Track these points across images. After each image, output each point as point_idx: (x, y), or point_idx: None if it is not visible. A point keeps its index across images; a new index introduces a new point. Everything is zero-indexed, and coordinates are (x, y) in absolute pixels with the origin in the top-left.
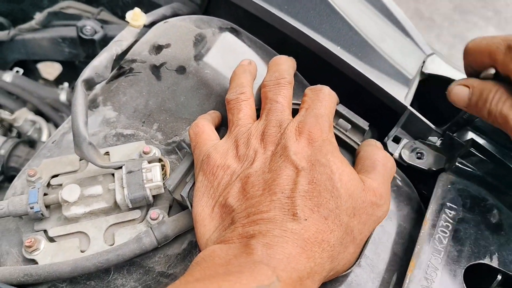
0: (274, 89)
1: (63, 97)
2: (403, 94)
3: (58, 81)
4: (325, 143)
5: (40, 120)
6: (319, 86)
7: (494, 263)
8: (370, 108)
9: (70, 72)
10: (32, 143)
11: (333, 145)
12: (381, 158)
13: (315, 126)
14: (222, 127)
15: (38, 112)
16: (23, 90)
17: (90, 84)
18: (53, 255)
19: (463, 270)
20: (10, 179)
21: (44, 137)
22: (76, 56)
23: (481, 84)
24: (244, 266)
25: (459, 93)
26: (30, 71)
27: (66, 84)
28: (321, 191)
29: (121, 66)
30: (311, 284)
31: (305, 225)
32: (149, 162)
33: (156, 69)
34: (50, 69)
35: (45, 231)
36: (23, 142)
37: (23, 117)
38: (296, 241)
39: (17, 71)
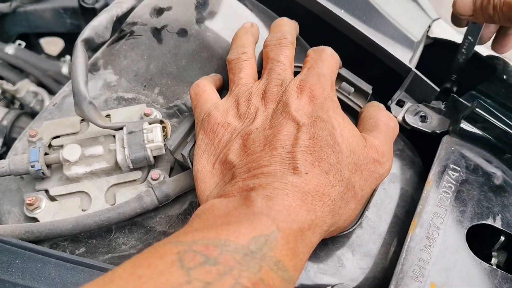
0: (276, 49)
1: (65, 69)
2: (408, 57)
3: (60, 56)
4: (327, 100)
5: (42, 92)
6: (322, 46)
7: (497, 224)
8: (373, 72)
9: (72, 47)
10: (34, 115)
11: (335, 103)
12: (384, 118)
13: (317, 84)
14: (223, 90)
15: (40, 85)
16: (25, 63)
17: (90, 44)
18: (54, 213)
19: (466, 231)
20: None
21: None
22: (78, 27)
23: None
24: (243, 217)
25: (464, 1)
26: (33, 46)
27: (68, 57)
28: (322, 146)
29: (121, 29)
30: (312, 236)
31: (306, 178)
32: (150, 124)
33: (157, 32)
34: (52, 47)
35: (46, 190)
36: (25, 113)
37: (25, 89)
38: (297, 194)
39: (20, 44)
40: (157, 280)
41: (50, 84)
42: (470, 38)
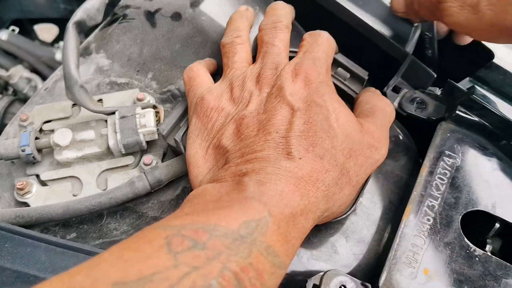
0: (270, 33)
1: (59, 56)
2: (405, 43)
3: (54, 43)
4: (322, 84)
5: (35, 78)
6: (318, 31)
7: (492, 211)
8: (370, 58)
9: None
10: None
11: (330, 87)
12: (380, 103)
13: (312, 68)
14: (217, 75)
15: (34, 71)
16: (18, 49)
17: (81, 27)
18: (45, 198)
19: (460, 217)
20: None
21: None
22: (72, 12)
23: None
24: (235, 201)
25: (398, 0)
26: (27, 33)
27: (62, 43)
28: (316, 131)
29: (114, 13)
30: (304, 222)
31: (299, 163)
32: (143, 109)
33: (150, 16)
34: (46, 34)
35: (37, 175)
36: (18, 99)
37: (19, 74)
38: (290, 179)
39: (13, 30)
40: (143, 263)
41: (44, 70)
42: (428, 34)
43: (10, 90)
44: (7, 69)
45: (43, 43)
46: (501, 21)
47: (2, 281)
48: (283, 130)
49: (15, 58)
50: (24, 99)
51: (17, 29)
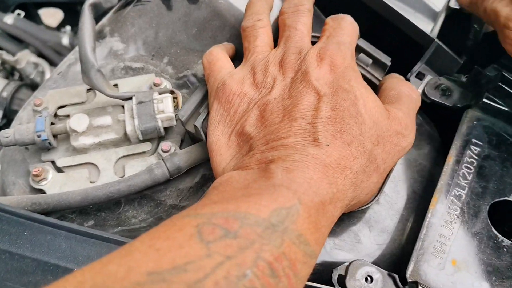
0: (293, 16)
1: (65, 40)
2: (429, 28)
3: (59, 28)
4: (348, 69)
5: (42, 63)
6: (341, 14)
7: None
8: (392, 43)
9: (72, 18)
10: (34, 87)
11: (356, 72)
12: (406, 89)
13: (337, 53)
14: (235, 60)
15: (40, 55)
16: (25, 33)
17: (97, 9)
18: (61, 185)
19: (488, 207)
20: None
21: None
22: None
23: None
24: (263, 189)
25: None
26: (32, 17)
27: (68, 28)
28: (344, 117)
29: None
30: (333, 210)
31: (327, 150)
32: (160, 94)
33: None
34: (51, 19)
35: (52, 162)
36: (25, 85)
37: (26, 59)
38: (318, 166)
39: (19, 14)
40: (176, 253)
41: (51, 55)
42: (475, 26)
43: (17, 76)
44: (13, 54)
45: (48, 27)
46: None
47: (22, 270)
48: (309, 116)
49: (20, 43)
50: (31, 85)
51: (22, 13)
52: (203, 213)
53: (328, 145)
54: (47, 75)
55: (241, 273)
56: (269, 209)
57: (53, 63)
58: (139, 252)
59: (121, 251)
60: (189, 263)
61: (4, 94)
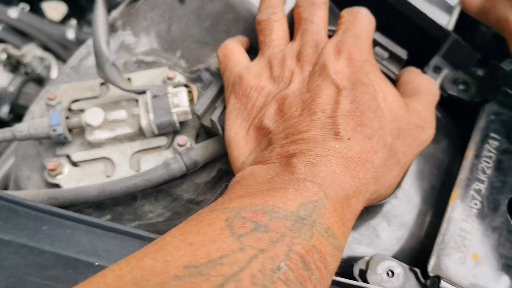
0: (309, 9)
1: (71, 34)
2: (445, 21)
3: (63, 22)
4: (366, 63)
5: (49, 57)
6: (356, 7)
7: None
8: (408, 37)
9: (76, 12)
10: (41, 81)
11: (374, 66)
12: (425, 82)
13: (354, 47)
14: (250, 54)
15: (46, 49)
16: (30, 27)
17: (111, 2)
18: (77, 179)
19: (507, 201)
20: (19, 117)
21: (53, 74)
22: None
23: None
24: (288, 183)
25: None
26: (35, 11)
27: (74, 21)
28: (364, 111)
29: None
30: (356, 204)
31: (348, 144)
32: (174, 88)
33: None
34: (54, 12)
35: (68, 156)
36: (32, 79)
37: (32, 53)
38: (340, 160)
39: (23, 8)
40: (209, 247)
41: (57, 49)
42: (483, 28)
43: (22, 70)
44: (18, 48)
45: (53, 21)
46: None
47: (42, 264)
48: (329, 110)
49: (25, 37)
50: (37, 79)
51: (27, 7)
52: (231, 207)
53: (349, 138)
54: (54, 69)
55: (275, 266)
56: (296, 202)
57: (59, 57)
58: (173, 247)
59: (154, 245)
60: (223, 257)
61: (11, 88)
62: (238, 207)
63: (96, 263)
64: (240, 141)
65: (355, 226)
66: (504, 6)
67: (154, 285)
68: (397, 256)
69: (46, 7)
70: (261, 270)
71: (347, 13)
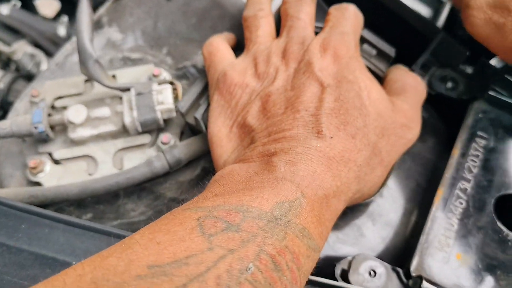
0: (295, 6)
1: (62, 31)
2: (434, 19)
3: (56, 19)
4: (352, 60)
5: (39, 54)
6: (344, 4)
7: None
8: (397, 34)
9: (69, 8)
10: (31, 78)
11: (360, 63)
12: (411, 81)
13: (341, 43)
14: (236, 51)
15: (37, 46)
16: (21, 23)
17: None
18: (59, 177)
19: (493, 200)
20: None
21: None
22: None
23: None
24: (266, 182)
25: None
26: (27, 7)
27: (65, 18)
28: (348, 109)
29: None
30: (337, 204)
31: (331, 143)
32: (159, 85)
33: None
34: (47, 9)
35: (50, 154)
36: (22, 76)
37: (22, 50)
38: (321, 159)
39: (14, 4)
40: (177, 246)
41: (48, 46)
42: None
43: (13, 66)
44: (9, 45)
45: (44, 18)
46: None
47: (20, 263)
48: (312, 108)
49: (16, 33)
50: (27, 76)
51: (19, 3)
52: (204, 206)
53: (331, 137)
54: (44, 66)
55: (243, 267)
56: (272, 202)
57: (49, 54)
58: (140, 246)
59: (121, 244)
60: (190, 257)
61: (1, 85)
62: (211, 206)
63: (74, 262)
64: (223, 138)
65: (340, 226)
66: None
67: (114, 285)
68: (382, 256)
69: (39, 3)
70: (228, 271)
71: (334, 10)
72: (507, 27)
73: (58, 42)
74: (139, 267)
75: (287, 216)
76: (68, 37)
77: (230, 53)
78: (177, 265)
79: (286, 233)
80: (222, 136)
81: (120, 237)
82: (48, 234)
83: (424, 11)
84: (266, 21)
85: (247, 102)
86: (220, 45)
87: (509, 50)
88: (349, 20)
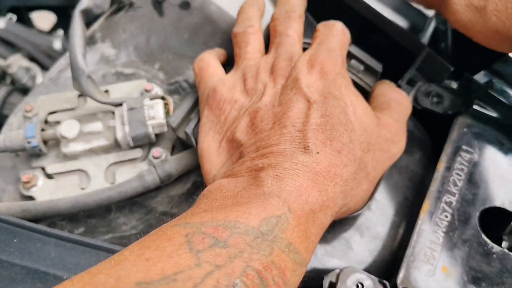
0: (284, 22)
1: (57, 44)
2: (420, 35)
3: (52, 32)
4: (338, 76)
5: (34, 67)
6: (332, 21)
7: (509, 207)
8: (383, 50)
9: (64, 21)
10: (26, 91)
11: (347, 79)
12: (396, 96)
13: (328, 60)
14: (227, 66)
15: (32, 60)
16: (16, 37)
17: (88, 16)
18: (51, 192)
19: (478, 213)
20: None
21: None
22: (72, 1)
23: None
24: (253, 198)
25: None
26: (24, 21)
27: (61, 32)
28: (334, 125)
29: (120, 1)
30: (323, 218)
31: (317, 158)
32: (151, 100)
33: (158, 4)
34: (43, 21)
35: (43, 168)
36: (17, 89)
37: (18, 64)
38: (308, 174)
39: (10, 18)
40: (165, 262)
41: (43, 59)
42: (441, 26)
43: (8, 80)
44: (4, 58)
45: (40, 31)
46: (506, 29)
47: (12, 278)
48: (299, 124)
49: (12, 47)
50: (22, 89)
51: (14, 17)
52: (192, 222)
53: (318, 152)
54: (39, 79)
55: (230, 282)
56: (259, 218)
57: (45, 68)
58: (128, 262)
59: (110, 261)
60: (178, 273)
61: None
62: (199, 222)
63: (65, 277)
64: (213, 153)
65: (328, 239)
66: None
67: None
68: (370, 269)
69: (35, 17)
70: (215, 287)
71: (322, 27)
72: (488, 9)
73: (53, 56)
74: (127, 284)
75: (273, 231)
76: (63, 51)
77: (220, 69)
78: (165, 281)
79: (272, 249)
80: (212, 151)
81: (110, 251)
82: (40, 248)
83: (410, 27)
84: (255, 37)
85: (236, 118)
86: (210, 61)
87: (491, 33)
88: (336, 36)
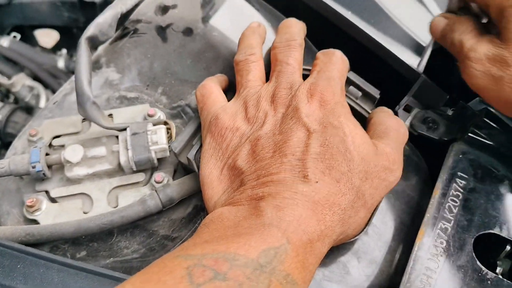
0: (284, 51)
1: (61, 63)
2: (416, 62)
3: (55, 49)
4: (338, 105)
5: (38, 86)
6: (331, 49)
7: (504, 233)
8: (381, 76)
9: (68, 40)
10: (29, 110)
11: (346, 108)
12: (394, 124)
13: (327, 89)
14: (229, 91)
15: (35, 78)
16: (20, 56)
17: (94, 42)
18: (55, 215)
19: (473, 240)
20: (7, 145)
21: (42, 103)
22: (75, 21)
23: (456, 17)
24: (253, 228)
25: (437, 23)
26: (27, 38)
27: (64, 51)
28: (333, 154)
29: (125, 27)
30: (321, 247)
31: (316, 187)
32: (154, 125)
33: (162, 31)
34: (46, 38)
35: (47, 192)
36: (20, 108)
37: (21, 83)
38: (307, 203)
39: (14, 37)
40: None
41: (46, 78)
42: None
43: (11, 98)
44: (9, 77)
45: (44, 49)
46: None
47: None
48: (299, 153)
49: (16, 65)
50: (26, 108)
51: (18, 36)
52: (194, 254)
53: (317, 181)
54: (42, 98)
55: None
56: (258, 249)
57: (48, 86)
58: None
59: None
60: None
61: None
62: (200, 254)
63: None
64: (214, 180)
65: (326, 263)
66: (458, 30)
67: None
68: None
69: (38, 34)
70: None
71: (322, 55)
72: (504, 80)
73: (56, 74)
74: None
75: (272, 263)
76: (66, 70)
77: (222, 96)
78: None
79: (270, 281)
80: (213, 178)
81: (112, 278)
82: (43, 273)
83: (406, 55)
84: (256, 65)
85: (237, 145)
86: (212, 88)
87: (505, 102)
88: (335, 65)
